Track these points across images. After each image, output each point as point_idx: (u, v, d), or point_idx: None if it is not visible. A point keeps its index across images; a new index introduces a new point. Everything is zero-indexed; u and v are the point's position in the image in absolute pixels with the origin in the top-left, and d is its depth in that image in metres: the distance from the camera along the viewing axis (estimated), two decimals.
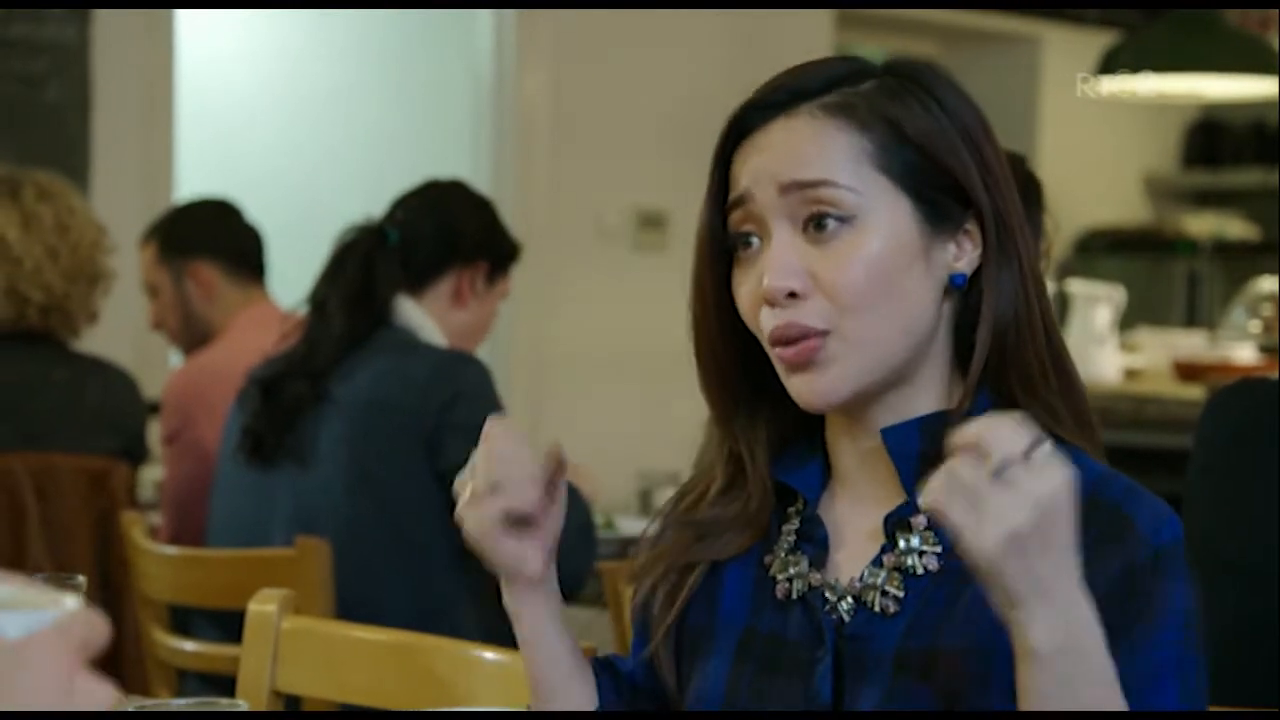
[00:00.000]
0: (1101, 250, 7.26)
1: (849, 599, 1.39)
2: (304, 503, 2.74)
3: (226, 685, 2.25)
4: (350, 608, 2.65)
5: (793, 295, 1.37)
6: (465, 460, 2.66)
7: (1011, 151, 2.42)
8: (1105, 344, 5.29)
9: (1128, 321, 5.82)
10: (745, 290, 1.40)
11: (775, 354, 1.39)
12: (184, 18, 5.09)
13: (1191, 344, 5.66)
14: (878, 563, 1.39)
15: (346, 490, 2.71)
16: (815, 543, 1.43)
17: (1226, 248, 7.25)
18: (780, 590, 1.42)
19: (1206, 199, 7.62)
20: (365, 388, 2.73)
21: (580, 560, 2.73)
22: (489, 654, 1.74)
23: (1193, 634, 1.32)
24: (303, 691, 1.84)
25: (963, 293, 1.41)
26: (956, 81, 1.44)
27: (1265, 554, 1.84)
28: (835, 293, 1.36)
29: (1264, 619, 1.83)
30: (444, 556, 2.71)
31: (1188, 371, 5.26)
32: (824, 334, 1.36)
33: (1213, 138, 7.56)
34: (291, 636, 1.81)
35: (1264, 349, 5.39)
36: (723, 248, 1.43)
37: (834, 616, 1.39)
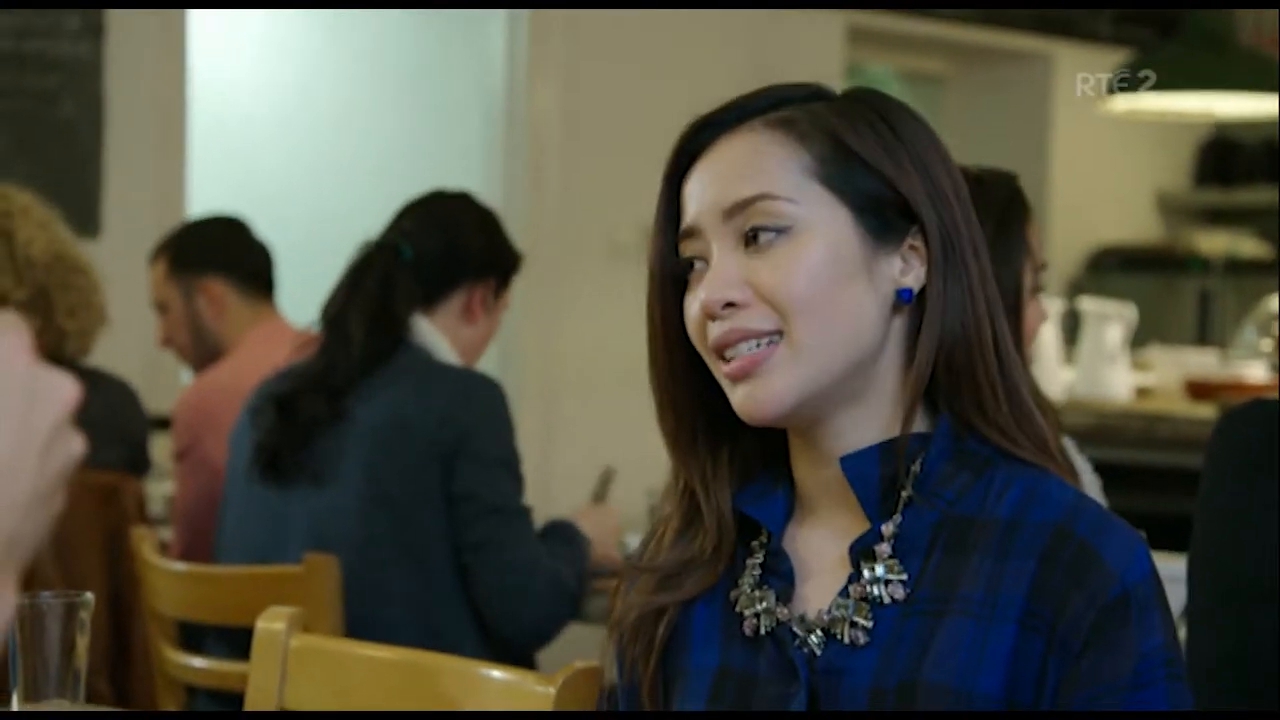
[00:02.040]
0: (1113, 268, 7.25)
1: (818, 631, 1.37)
2: (318, 521, 2.74)
3: (235, 702, 2.26)
4: (359, 625, 2.65)
5: (732, 305, 1.36)
6: (476, 487, 2.68)
7: (1002, 170, 2.43)
8: (1116, 362, 5.29)
9: (1139, 339, 5.82)
10: (693, 311, 1.40)
11: (720, 370, 1.38)
12: (197, 34, 5.11)
13: (1203, 362, 5.66)
14: (845, 593, 1.37)
15: (361, 509, 2.71)
16: (781, 576, 1.41)
17: (1238, 266, 7.24)
18: (749, 626, 1.41)
19: (1218, 217, 7.61)
20: (386, 409, 2.73)
21: (550, 619, 2.73)
22: (496, 673, 1.74)
23: (1175, 664, 1.32)
24: (310, 709, 1.84)
25: (913, 311, 1.39)
26: (914, 111, 1.43)
27: (1275, 575, 1.83)
28: (776, 299, 1.35)
29: (1273, 640, 1.83)
30: (450, 577, 2.71)
31: (1199, 390, 5.25)
32: (770, 335, 1.35)
33: (1225, 156, 7.55)
34: (299, 654, 1.81)
35: (1275, 368, 5.38)
36: (675, 274, 1.42)
37: (805, 650, 1.37)
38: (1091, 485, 2.46)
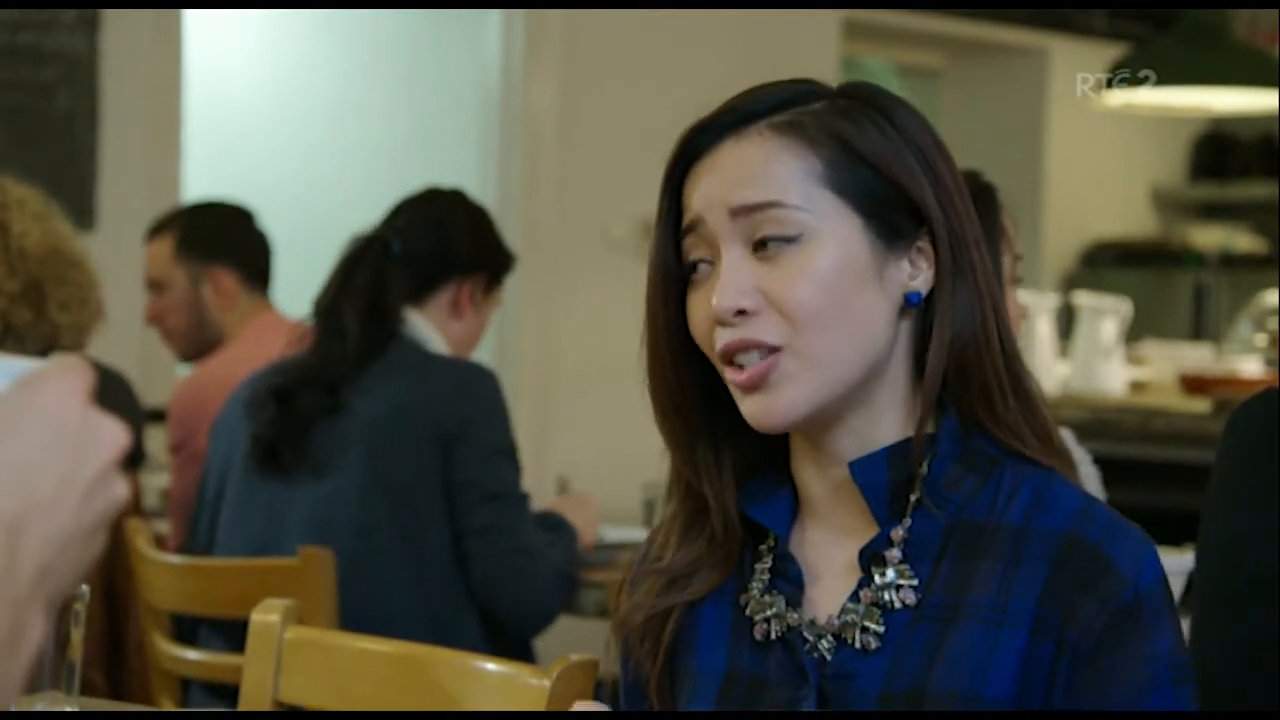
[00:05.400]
0: (1108, 262, 7.26)
1: (829, 637, 1.37)
2: (318, 511, 2.74)
3: (230, 694, 2.25)
4: (359, 613, 2.65)
5: (743, 313, 1.35)
6: (476, 474, 2.70)
7: (965, 169, 2.42)
8: (1111, 356, 5.29)
9: (1134, 334, 5.82)
10: (699, 314, 1.38)
11: (729, 377, 1.37)
12: (193, 28, 5.10)
13: (1198, 357, 5.66)
14: (855, 598, 1.37)
15: (361, 498, 2.72)
16: (789, 580, 1.40)
17: (1233, 260, 7.25)
18: (759, 631, 1.40)
19: (1214, 212, 7.62)
20: (385, 400, 2.74)
21: (552, 602, 2.78)
22: (491, 665, 1.74)
23: (1182, 667, 1.33)
24: (305, 702, 1.84)
25: (919, 311, 1.39)
26: (910, 103, 1.43)
27: None
28: (787, 308, 1.34)
29: None
30: (450, 564, 2.73)
31: (1194, 384, 5.25)
32: (777, 350, 1.34)
33: (1220, 150, 7.56)
34: (294, 647, 1.81)
35: (1271, 362, 5.38)
36: (676, 274, 1.41)
37: (815, 655, 1.37)
38: (1090, 477, 2.46)
